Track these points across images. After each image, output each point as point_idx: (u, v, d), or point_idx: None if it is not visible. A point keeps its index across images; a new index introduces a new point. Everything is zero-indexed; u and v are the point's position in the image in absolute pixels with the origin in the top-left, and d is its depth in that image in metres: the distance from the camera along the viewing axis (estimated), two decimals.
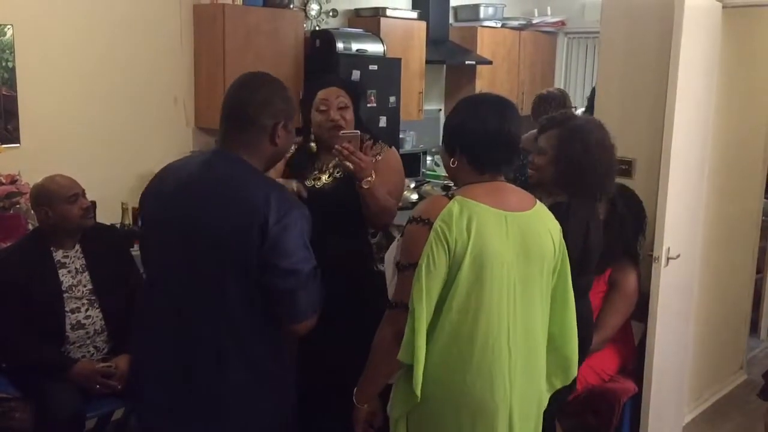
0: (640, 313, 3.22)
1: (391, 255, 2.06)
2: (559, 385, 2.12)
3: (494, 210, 1.91)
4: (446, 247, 1.85)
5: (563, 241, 2.05)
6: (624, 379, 3.16)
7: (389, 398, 2.03)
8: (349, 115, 2.73)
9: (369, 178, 2.54)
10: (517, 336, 1.92)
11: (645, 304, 3.21)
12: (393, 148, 2.85)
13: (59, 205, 2.84)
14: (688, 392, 3.76)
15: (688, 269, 3.46)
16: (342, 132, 2.58)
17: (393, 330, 1.94)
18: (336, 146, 2.52)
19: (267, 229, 1.90)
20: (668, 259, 3.21)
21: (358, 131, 2.61)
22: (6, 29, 3.69)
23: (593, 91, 4.82)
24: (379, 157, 2.74)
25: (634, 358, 3.26)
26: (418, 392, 1.87)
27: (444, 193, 2.00)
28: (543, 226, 2.00)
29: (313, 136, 2.82)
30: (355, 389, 2.06)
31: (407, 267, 1.92)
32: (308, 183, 2.77)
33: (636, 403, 3.21)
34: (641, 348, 3.27)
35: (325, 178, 2.76)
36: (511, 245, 1.91)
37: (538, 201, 2.04)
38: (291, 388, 2.11)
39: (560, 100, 4.39)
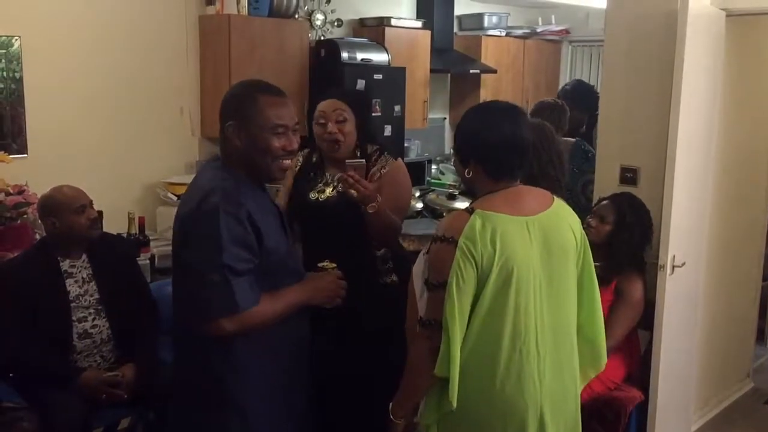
0: (645, 322, 3.21)
1: (418, 269, 2.06)
2: (592, 375, 2.18)
3: (515, 218, 1.94)
4: (474, 262, 1.88)
5: (584, 233, 2.10)
6: (630, 388, 3.15)
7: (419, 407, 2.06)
8: (348, 127, 2.72)
9: (374, 204, 2.56)
10: (545, 337, 1.96)
11: (651, 313, 3.20)
12: (399, 160, 2.83)
13: (66, 216, 2.85)
14: (694, 400, 3.74)
15: (693, 277, 3.45)
16: (348, 161, 2.60)
17: (427, 346, 1.96)
18: (340, 175, 2.56)
19: (183, 222, 1.97)
20: (673, 267, 3.20)
21: (363, 160, 2.64)
22: (14, 40, 3.72)
23: (574, 85, 4.79)
24: (385, 170, 2.75)
25: (640, 367, 3.25)
26: (455, 403, 1.89)
27: (463, 207, 2.01)
28: (563, 222, 2.04)
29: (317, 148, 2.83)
30: (391, 404, 2.07)
31: (437, 286, 1.93)
32: (312, 196, 2.77)
33: (642, 411, 3.20)
34: (647, 356, 3.26)
35: (329, 191, 2.76)
36: (535, 249, 1.95)
37: (555, 198, 2.07)
38: (244, 390, 2.05)
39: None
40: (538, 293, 1.95)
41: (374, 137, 2.96)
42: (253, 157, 2.05)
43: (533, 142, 2.34)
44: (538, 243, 1.96)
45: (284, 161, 2.08)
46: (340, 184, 2.61)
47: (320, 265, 2.25)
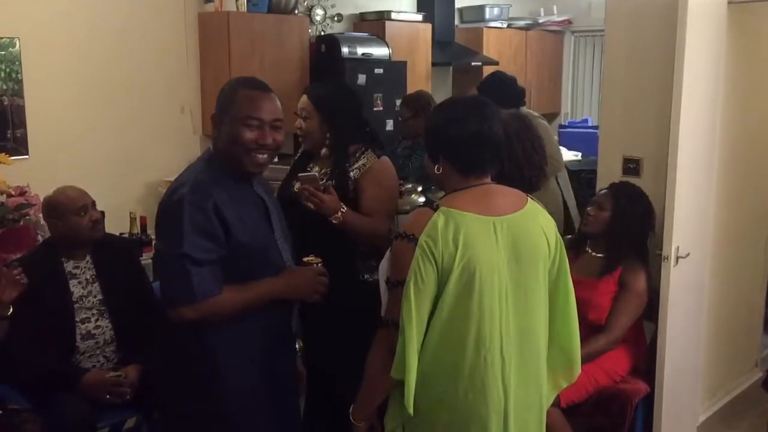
0: (651, 313, 3.19)
1: (383, 267, 2.02)
2: (564, 385, 2.09)
3: (482, 217, 1.87)
4: (433, 261, 1.81)
5: (559, 237, 2.02)
6: (636, 380, 3.13)
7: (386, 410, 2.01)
8: (309, 125, 2.75)
9: (337, 214, 2.55)
10: (510, 343, 1.89)
11: (656, 304, 3.19)
12: (384, 158, 2.77)
13: (68, 217, 2.85)
14: (701, 392, 3.73)
15: (698, 268, 3.43)
16: (300, 175, 2.62)
17: (386, 348, 1.92)
18: (296, 189, 2.59)
19: (156, 211, 2.05)
20: (678, 258, 3.18)
21: (315, 173, 2.64)
22: (14, 41, 3.72)
23: (491, 78, 4.73)
24: (366, 167, 2.70)
25: (645, 359, 3.24)
26: (410, 408, 1.84)
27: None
28: (535, 225, 1.95)
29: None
30: (352, 406, 2.03)
31: (396, 284, 1.89)
32: (297, 189, 2.73)
33: (648, 403, 3.18)
34: (653, 348, 3.25)
35: None
36: (502, 251, 1.87)
37: (530, 199, 2.00)
38: (220, 375, 2.06)
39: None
40: (503, 297, 1.87)
41: (356, 138, 2.80)
42: (229, 149, 2.09)
43: (516, 131, 2.29)
44: (506, 245, 1.87)
45: (258, 155, 2.09)
46: (323, 170, 2.66)
47: (305, 259, 2.26)
